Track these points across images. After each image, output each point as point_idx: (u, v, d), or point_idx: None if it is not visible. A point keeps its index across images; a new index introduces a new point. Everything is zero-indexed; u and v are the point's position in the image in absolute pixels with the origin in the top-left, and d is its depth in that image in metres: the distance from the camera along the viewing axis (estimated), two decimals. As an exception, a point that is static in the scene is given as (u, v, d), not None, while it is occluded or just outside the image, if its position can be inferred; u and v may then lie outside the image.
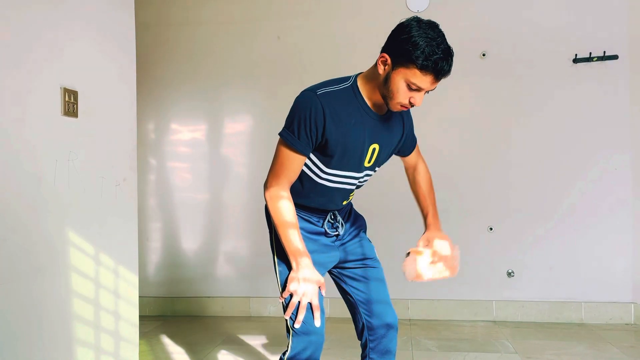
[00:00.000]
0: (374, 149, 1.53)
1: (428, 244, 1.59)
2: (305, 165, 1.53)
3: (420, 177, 1.79)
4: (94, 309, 1.94)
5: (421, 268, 1.53)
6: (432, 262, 1.55)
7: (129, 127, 2.17)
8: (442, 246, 1.56)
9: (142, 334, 3.00)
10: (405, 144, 1.69)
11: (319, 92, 1.44)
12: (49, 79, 1.73)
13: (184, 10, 3.60)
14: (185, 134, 3.63)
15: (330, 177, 1.53)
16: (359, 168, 1.55)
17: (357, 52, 3.36)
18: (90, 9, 1.93)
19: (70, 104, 1.80)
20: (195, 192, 3.63)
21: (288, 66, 3.49)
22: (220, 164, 3.60)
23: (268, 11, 3.52)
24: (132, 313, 2.17)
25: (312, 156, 1.51)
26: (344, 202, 1.65)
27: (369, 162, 1.55)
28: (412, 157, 1.77)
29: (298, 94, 1.50)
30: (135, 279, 2.19)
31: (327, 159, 1.49)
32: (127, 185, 2.14)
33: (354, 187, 1.61)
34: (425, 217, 1.70)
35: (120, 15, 2.12)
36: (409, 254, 1.57)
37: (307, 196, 1.58)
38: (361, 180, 1.60)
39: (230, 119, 3.62)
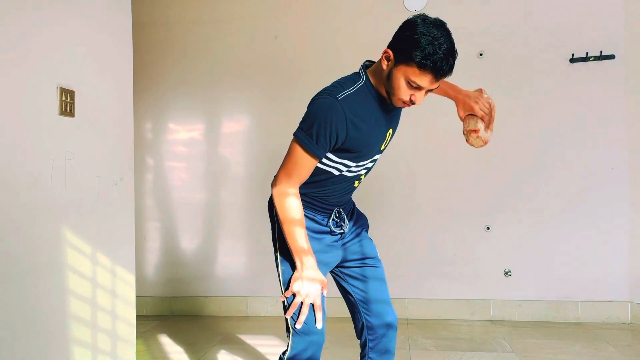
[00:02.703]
0: (389, 134, 1.59)
1: (471, 111, 1.62)
2: (326, 165, 1.52)
3: None
4: (91, 309, 1.94)
5: (484, 136, 1.60)
6: (487, 126, 1.61)
7: (126, 127, 2.17)
8: (481, 106, 1.61)
9: (140, 334, 3.00)
10: None
11: (340, 97, 1.43)
12: (45, 79, 1.72)
13: (181, 9, 3.59)
14: (182, 133, 3.63)
15: (353, 169, 1.55)
16: (374, 154, 1.59)
17: (354, 52, 3.35)
18: (86, 8, 1.93)
19: (67, 104, 1.79)
20: (193, 191, 3.62)
21: (285, 65, 3.48)
22: (217, 163, 3.60)
23: (265, 10, 3.51)
24: (129, 313, 2.17)
25: (335, 158, 1.50)
26: (356, 184, 1.65)
27: (384, 145, 1.60)
28: None
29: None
30: (132, 279, 2.18)
31: (355, 155, 1.50)
32: (125, 185, 2.14)
33: (365, 171, 1.63)
34: (447, 95, 1.72)
35: (117, 15, 2.11)
36: (468, 133, 1.63)
37: (322, 186, 1.57)
38: (371, 164, 1.62)
39: (228, 119, 3.61)
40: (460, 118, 1.65)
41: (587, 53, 3.19)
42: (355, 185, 1.65)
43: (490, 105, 1.61)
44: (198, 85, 3.58)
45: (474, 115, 1.61)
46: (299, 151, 1.46)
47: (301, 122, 1.47)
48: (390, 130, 1.59)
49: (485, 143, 1.62)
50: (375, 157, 1.60)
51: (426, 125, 3.34)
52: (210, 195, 3.61)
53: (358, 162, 1.54)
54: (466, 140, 1.65)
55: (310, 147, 1.43)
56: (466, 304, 3.37)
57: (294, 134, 1.47)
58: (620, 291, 3.23)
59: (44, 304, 1.73)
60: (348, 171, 1.55)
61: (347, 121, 1.41)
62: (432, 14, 1.43)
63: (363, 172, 1.60)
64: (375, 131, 1.50)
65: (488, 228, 3.35)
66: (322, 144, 1.43)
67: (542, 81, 3.27)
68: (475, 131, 1.60)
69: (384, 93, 1.48)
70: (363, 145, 1.48)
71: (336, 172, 1.54)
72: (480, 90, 1.66)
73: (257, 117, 3.56)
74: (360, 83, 1.48)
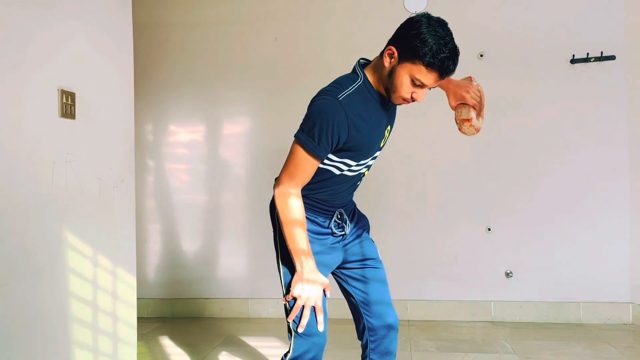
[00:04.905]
0: (387, 130, 1.60)
1: (462, 100, 1.60)
2: (327, 164, 1.51)
3: None
4: (92, 311, 1.94)
5: (476, 124, 1.61)
6: (478, 113, 1.61)
7: (126, 129, 2.17)
8: (472, 94, 1.59)
9: (141, 336, 3.00)
10: None
11: (340, 97, 1.42)
12: (46, 81, 1.72)
13: (182, 11, 3.60)
14: (183, 135, 3.63)
15: (354, 167, 1.55)
16: (375, 152, 1.59)
17: (354, 53, 3.34)
18: (87, 9, 1.93)
19: (68, 106, 1.80)
20: (194, 193, 3.62)
21: (285, 67, 3.49)
22: (218, 165, 3.60)
23: (265, 12, 3.52)
24: (130, 315, 2.17)
25: (336, 157, 1.50)
26: (358, 183, 1.65)
27: (383, 142, 1.61)
28: None
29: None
30: (133, 281, 2.19)
31: (356, 154, 1.50)
32: (125, 187, 2.14)
33: (366, 169, 1.63)
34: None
35: (118, 16, 2.12)
36: (461, 122, 1.62)
37: (324, 187, 1.56)
38: (371, 162, 1.63)
39: (228, 120, 3.62)
40: (452, 107, 1.64)
41: (587, 54, 3.19)
42: (358, 183, 1.66)
43: (480, 93, 1.61)
44: (199, 87, 3.59)
45: (465, 104, 1.60)
46: (301, 153, 1.45)
47: (302, 124, 1.46)
48: (389, 127, 1.60)
49: (478, 131, 1.63)
50: (375, 155, 1.60)
51: (425, 126, 3.34)
52: (211, 197, 3.61)
53: (359, 161, 1.54)
54: (459, 129, 1.64)
55: (313, 148, 1.43)
56: (467, 305, 3.36)
57: (295, 136, 1.46)
58: (622, 292, 3.23)
59: (45, 306, 1.73)
60: (349, 170, 1.55)
61: (348, 121, 1.41)
62: (433, 14, 1.44)
63: (364, 170, 1.61)
64: (376, 130, 1.51)
65: (489, 229, 3.34)
66: (324, 145, 1.42)
67: (543, 82, 3.27)
68: (468, 120, 1.60)
69: (382, 90, 1.48)
70: (364, 144, 1.49)
71: (337, 172, 1.53)
72: (469, 79, 1.64)
73: (257, 119, 3.57)
74: (359, 82, 1.48)
